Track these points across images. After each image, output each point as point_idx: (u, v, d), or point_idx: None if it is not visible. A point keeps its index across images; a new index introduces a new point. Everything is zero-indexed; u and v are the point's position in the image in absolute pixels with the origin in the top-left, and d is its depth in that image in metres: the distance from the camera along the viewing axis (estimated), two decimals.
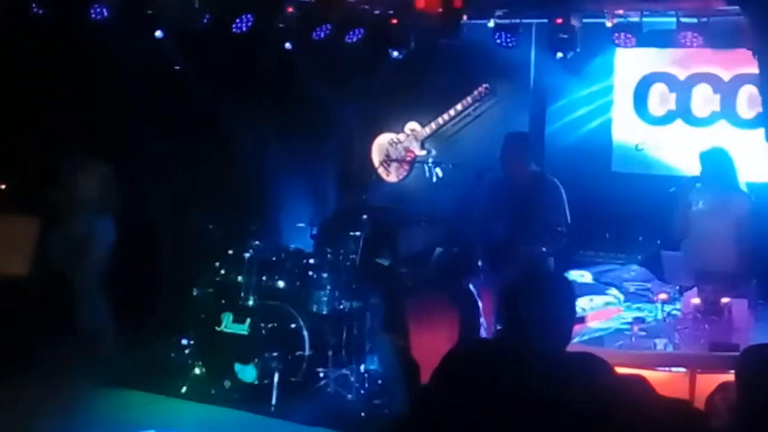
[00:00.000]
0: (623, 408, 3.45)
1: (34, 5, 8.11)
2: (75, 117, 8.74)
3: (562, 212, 7.67)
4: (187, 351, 8.05)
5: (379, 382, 7.67)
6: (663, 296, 6.77)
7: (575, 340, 6.21)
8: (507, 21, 8.99)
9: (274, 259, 8.14)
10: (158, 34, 8.61)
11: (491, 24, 9.00)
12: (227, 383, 7.80)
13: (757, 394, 3.65)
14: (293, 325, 7.85)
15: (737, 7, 7.38)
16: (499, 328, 3.75)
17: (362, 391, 7.63)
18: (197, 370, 7.93)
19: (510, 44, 8.94)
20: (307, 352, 7.77)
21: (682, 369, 6.01)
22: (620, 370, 5.32)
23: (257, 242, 8.09)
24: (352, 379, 7.73)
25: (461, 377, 3.58)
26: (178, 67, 9.24)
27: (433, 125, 10.29)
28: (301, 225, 8.92)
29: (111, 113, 8.92)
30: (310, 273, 8.06)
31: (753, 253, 7.20)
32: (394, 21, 9.35)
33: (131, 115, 8.89)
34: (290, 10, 8.90)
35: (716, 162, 7.36)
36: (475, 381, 3.52)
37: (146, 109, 8.90)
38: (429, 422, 3.63)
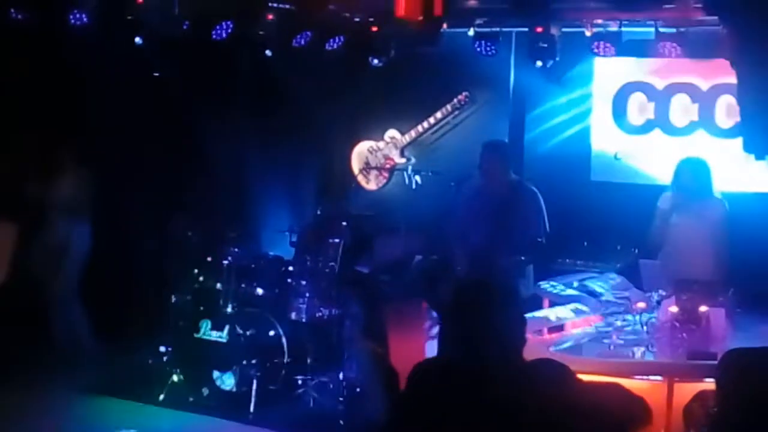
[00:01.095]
0: (585, 411, 3.46)
1: (12, 10, 8.07)
2: (54, 122, 8.70)
3: (541, 221, 7.71)
4: (165, 358, 8.02)
5: (358, 389, 7.65)
6: (641, 305, 6.77)
7: (553, 348, 6.24)
8: (487, 29, 9.02)
9: (252, 266, 8.11)
10: (137, 40, 8.57)
11: (471, 32, 9.02)
12: (205, 391, 7.77)
13: (737, 398, 3.66)
14: (272, 333, 7.83)
15: (716, 18, 7.41)
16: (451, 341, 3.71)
17: (341, 399, 7.61)
18: (175, 378, 7.89)
19: (490, 53, 8.97)
20: (285, 360, 7.75)
21: (659, 377, 6.02)
22: (598, 378, 5.37)
23: (236, 249, 8.06)
24: (331, 386, 7.72)
25: (425, 394, 3.58)
26: (157, 74, 9.22)
27: (412, 133, 10.29)
28: (280, 232, 8.92)
29: (90, 119, 8.89)
30: (289, 280, 8.05)
31: (730, 261, 7.23)
32: (375, 29, 9.37)
33: (110, 120, 8.86)
34: (270, 17, 8.88)
35: (694, 171, 7.41)
36: (438, 398, 3.52)
37: (125, 115, 8.87)
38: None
